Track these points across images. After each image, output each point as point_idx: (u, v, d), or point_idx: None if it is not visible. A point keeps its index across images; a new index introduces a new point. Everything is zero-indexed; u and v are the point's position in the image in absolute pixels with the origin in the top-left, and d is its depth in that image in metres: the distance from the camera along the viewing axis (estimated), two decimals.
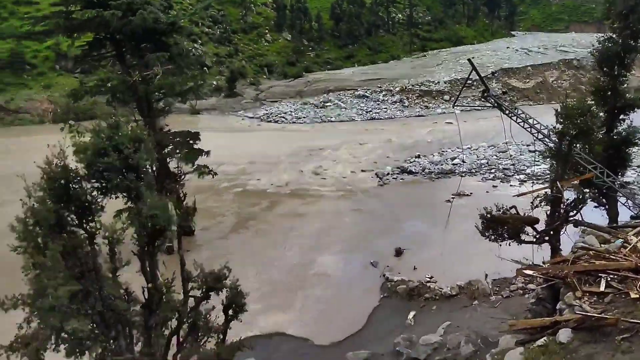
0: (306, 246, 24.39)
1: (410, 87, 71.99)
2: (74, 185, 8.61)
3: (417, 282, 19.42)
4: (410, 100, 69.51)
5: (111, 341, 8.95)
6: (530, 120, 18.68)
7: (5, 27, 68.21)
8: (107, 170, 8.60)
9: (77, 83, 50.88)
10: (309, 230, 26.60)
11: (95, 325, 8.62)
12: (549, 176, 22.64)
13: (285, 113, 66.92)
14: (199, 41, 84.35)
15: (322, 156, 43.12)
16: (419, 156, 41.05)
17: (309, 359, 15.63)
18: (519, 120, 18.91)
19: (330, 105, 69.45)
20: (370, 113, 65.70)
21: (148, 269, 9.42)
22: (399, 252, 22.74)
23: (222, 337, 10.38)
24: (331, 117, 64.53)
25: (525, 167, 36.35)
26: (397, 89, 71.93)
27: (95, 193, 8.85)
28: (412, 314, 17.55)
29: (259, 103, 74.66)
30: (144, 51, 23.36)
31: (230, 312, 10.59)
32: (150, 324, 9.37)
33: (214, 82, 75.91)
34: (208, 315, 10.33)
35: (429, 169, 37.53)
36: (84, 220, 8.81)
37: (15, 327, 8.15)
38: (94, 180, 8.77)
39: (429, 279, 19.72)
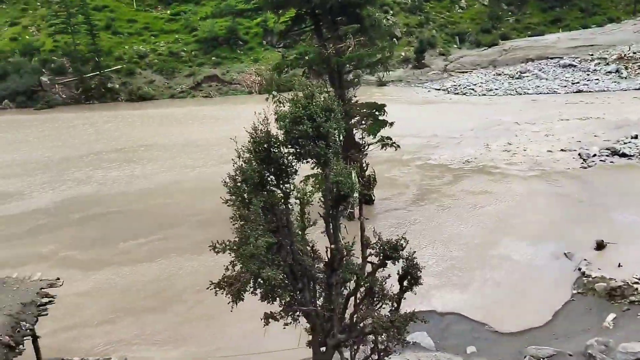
0: (490, 226, 23.09)
1: (631, 54, 60.93)
2: (274, 150, 9.57)
3: (622, 281, 16.80)
4: (630, 70, 58.94)
5: (298, 292, 9.89)
6: None
7: (224, 6, 78.18)
8: (301, 137, 9.31)
9: (280, 57, 55.97)
10: (494, 209, 25.06)
11: (285, 276, 9.60)
12: None
13: (474, 84, 63.20)
14: (390, 11, 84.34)
15: (514, 131, 39.74)
16: (636, 137, 34.81)
17: (484, 345, 14.96)
18: None
19: (527, 76, 63.15)
20: (577, 85, 57.75)
21: (332, 231, 10.04)
22: (600, 246, 19.91)
23: (396, 305, 10.58)
24: (528, 89, 58.68)
25: None
26: (614, 57, 61.58)
27: (290, 157, 9.71)
28: (611, 316, 15.36)
29: (447, 74, 71.86)
30: (339, 24, 24.34)
31: (405, 282, 10.69)
32: (331, 281, 10.03)
33: (402, 54, 75.50)
34: (384, 283, 10.61)
35: None
36: (281, 181, 9.77)
37: (222, 268, 9.58)
38: (290, 146, 9.60)
39: (637, 280, 16.91)
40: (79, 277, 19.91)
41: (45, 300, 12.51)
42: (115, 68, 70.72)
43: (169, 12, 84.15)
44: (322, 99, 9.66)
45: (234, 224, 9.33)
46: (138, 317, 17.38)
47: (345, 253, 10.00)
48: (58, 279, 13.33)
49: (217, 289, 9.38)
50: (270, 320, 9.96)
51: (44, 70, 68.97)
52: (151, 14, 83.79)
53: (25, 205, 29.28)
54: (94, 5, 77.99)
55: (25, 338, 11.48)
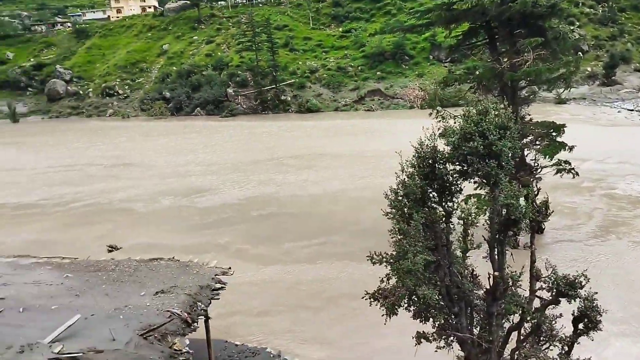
0: None
1: None
2: (439, 166, 9.31)
3: None
4: None
5: (453, 316, 9.39)
6: None
7: (394, 22, 79.52)
8: (470, 154, 8.88)
9: (446, 72, 54.78)
10: None
11: (441, 297, 9.20)
12: None
13: None
14: (577, 23, 76.42)
15: None
16: None
17: None
18: None
19: None
20: None
21: (496, 257, 9.33)
22: None
23: (567, 349, 9.38)
24: None
25: None
26: None
27: (456, 175, 9.32)
28: None
29: None
30: (517, 37, 22.76)
31: (580, 325, 9.44)
32: (492, 311, 9.32)
33: (588, 69, 67.72)
34: (554, 322, 9.51)
35: None
36: (443, 199, 9.44)
37: (377, 279, 9.55)
38: (457, 163, 9.22)
39: None
40: (248, 269, 21.84)
41: (218, 285, 13.97)
42: (289, 82, 76.90)
43: (340, 29, 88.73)
44: (496, 116, 9.09)
45: (392, 237, 9.26)
46: (293, 314, 18.38)
47: (510, 283, 9.21)
48: (229, 268, 14.80)
49: (372, 300, 9.40)
50: (422, 340, 9.61)
51: (230, 82, 78.31)
52: (324, 32, 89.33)
53: (215, 199, 33.50)
54: (275, 24, 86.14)
55: (199, 317, 12.94)
